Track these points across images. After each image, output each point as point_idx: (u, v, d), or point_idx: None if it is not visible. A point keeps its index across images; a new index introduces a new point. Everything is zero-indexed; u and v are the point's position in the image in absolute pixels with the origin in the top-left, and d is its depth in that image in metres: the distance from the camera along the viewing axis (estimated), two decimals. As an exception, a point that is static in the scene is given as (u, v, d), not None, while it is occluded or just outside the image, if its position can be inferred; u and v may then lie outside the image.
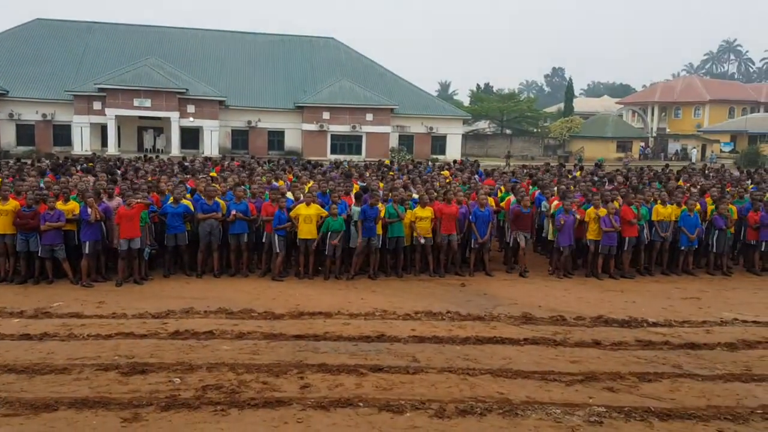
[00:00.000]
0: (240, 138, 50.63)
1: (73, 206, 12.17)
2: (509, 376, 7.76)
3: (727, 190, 16.56)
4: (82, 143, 45.80)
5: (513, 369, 7.99)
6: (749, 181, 20.00)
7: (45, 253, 11.83)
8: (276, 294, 11.64)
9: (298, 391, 7.18)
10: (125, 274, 12.16)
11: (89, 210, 11.70)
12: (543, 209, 14.72)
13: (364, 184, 15.53)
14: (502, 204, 14.81)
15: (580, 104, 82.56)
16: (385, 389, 7.28)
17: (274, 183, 15.80)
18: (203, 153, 44.11)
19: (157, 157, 29.15)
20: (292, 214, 12.69)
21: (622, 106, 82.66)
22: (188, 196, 13.41)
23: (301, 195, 13.41)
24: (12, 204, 11.94)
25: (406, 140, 52.57)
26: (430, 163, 29.17)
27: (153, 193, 13.52)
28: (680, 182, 19.28)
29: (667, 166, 28.96)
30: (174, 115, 46.46)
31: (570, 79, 77.89)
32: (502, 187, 16.32)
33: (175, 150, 45.55)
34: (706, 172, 24.76)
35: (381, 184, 16.09)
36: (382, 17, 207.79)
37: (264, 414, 6.59)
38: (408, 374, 7.75)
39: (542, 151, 62.52)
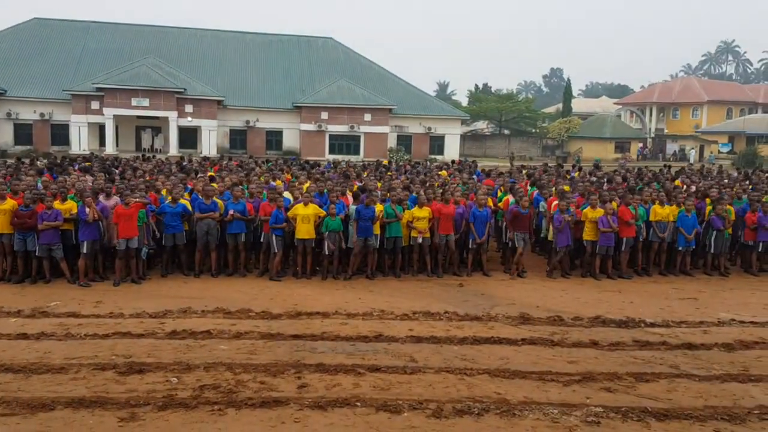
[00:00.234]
0: (238, 138, 50.60)
1: (70, 206, 12.15)
2: (507, 377, 7.77)
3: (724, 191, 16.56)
4: (80, 143, 45.74)
5: (510, 369, 8.00)
6: (747, 182, 20.01)
7: (42, 252, 11.81)
8: (274, 294, 11.63)
9: (296, 390, 7.18)
10: (123, 274, 12.14)
11: (87, 209, 11.69)
12: (541, 210, 14.73)
13: (362, 184, 15.53)
14: (500, 204, 14.81)
15: (579, 105, 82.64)
16: (382, 389, 7.28)
17: (272, 183, 15.79)
18: (201, 153, 44.08)
19: (153, 156, 29.10)
20: (289, 214, 12.69)
21: (621, 106, 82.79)
22: (186, 195, 13.41)
23: (300, 195, 13.41)
24: (9, 203, 11.92)
25: (405, 140, 52.58)
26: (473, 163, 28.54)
27: (151, 192, 13.52)
28: (677, 182, 19.30)
29: (665, 166, 29.01)
30: (172, 115, 46.43)
31: (568, 80, 77.98)
32: (502, 187, 16.32)
33: (174, 150, 45.50)
34: (704, 173, 24.78)
35: (379, 184, 16.08)
36: (381, 17, 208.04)
37: (261, 414, 6.58)
38: (405, 374, 7.75)
39: (540, 152, 62.55)
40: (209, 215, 12.64)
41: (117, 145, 46.29)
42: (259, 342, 8.86)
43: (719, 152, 60.64)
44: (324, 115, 49.76)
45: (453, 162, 29.23)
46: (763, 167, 36.07)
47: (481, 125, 79.40)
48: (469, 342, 9.08)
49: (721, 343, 9.28)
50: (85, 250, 11.86)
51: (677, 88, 77.98)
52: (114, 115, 45.54)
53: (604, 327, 10.07)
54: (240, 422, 6.40)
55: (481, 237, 13.34)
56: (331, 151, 49.14)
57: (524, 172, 22.74)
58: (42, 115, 46.77)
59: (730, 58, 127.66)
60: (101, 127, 46.13)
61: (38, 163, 21.68)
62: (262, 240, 12.95)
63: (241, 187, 13.81)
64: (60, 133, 47.10)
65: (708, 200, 14.78)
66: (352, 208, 12.95)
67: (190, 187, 14.49)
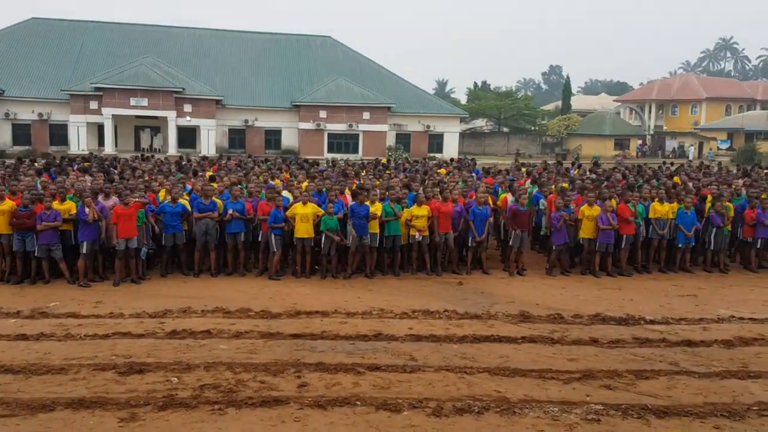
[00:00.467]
0: (237, 137, 50.57)
1: (69, 206, 12.14)
2: (507, 375, 7.77)
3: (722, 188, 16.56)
4: (79, 143, 45.70)
5: (510, 367, 8.00)
6: (746, 179, 20.01)
7: (42, 252, 11.80)
8: (273, 293, 11.63)
9: (296, 390, 7.18)
10: (122, 274, 12.14)
11: (87, 210, 11.68)
12: (541, 207, 14.74)
13: (360, 183, 15.52)
14: (498, 202, 14.81)
15: (578, 102, 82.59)
16: (382, 388, 7.28)
17: (271, 182, 15.78)
18: (200, 152, 44.04)
19: (152, 156, 29.10)
20: (288, 213, 12.68)
21: (620, 103, 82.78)
22: (186, 195, 13.40)
23: (299, 194, 13.40)
24: (8, 204, 11.91)
25: (403, 139, 52.57)
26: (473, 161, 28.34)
27: (150, 192, 13.52)
28: (675, 179, 19.30)
29: (664, 162, 29.00)
30: (171, 115, 46.40)
31: (567, 77, 77.92)
32: (502, 185, 16.32)
33: (173, 149, 45.47)
34: (704, 170, 24.77)
35: (378, 183, 16.07)
36: (379, 16, 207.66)
37: (261, 413, 6.58)
38: (405, 373, 7.75)
39: (540, 149, 62.55)
40: (208, 215, 12.64)
41: (116, 145, 46.27)
42: (258, 341, 8.85)
43: (718, 149, 60.64)
44: (322, 114, 49.73)
45: (452, 160, 29.19)
46: (761, 164, 36.08)
47: (480, 123, 79.36)
48: (468, 340, 9.08)
49: (721, 339, 9.29)
50: (84, 251, 11.85)
51: (676, 85, 77.95)
52: (113, 115, 45.50)
53: (604, 324, 10.08)
54: (240, 422, 6.40)
55: (481, 235, 13.34)
56: (330, 150, 49.12)
57: (524, 170, 22.72)
58: (40, 115, 46.72)
59: (729, 55, 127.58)
60: (100, 127, 46.10)
61: (36, 164, 21.64)
62: (260, 239, 12.95)
63: (239, 186, 13.80)
64: (59, 133, 47.05)
65: (709, 197, 14.79)
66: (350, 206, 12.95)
67: (189, 186, 14.48)
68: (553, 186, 15.95)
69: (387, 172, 21.05)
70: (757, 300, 11.90)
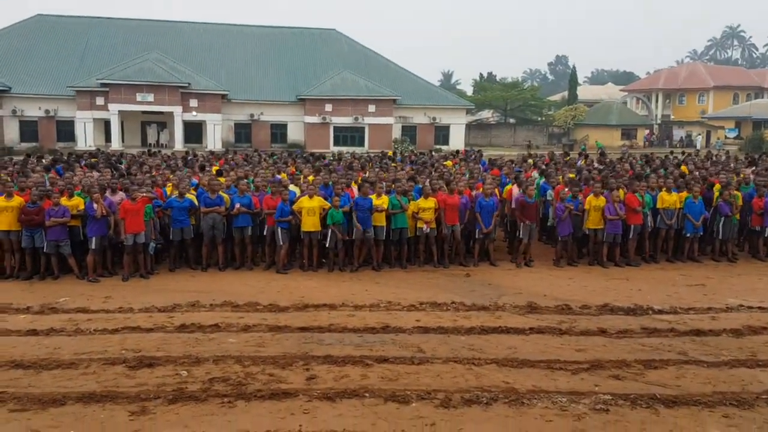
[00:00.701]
0: (243, 131, 50.58)
1: (77, 202, 12.20)
2: (515, 366, 7.78)
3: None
4: (86, 139, 45.79)
5: (518, 358, 8.01)
6: (754, 167, 19.90)
7: (50, 248, 11.87)
8: (280, 287, 11.67)
9: (304, 382, 7.21)
10: (131, 269, 12.20)
11: (95, 205, 11.73)
12: (548, 198, 14.71)
13: (366, 176, 15.53)
14: (504, 194, 14.78)
15: (584, 92, 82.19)
16: (390, 380, 7.30)
17: (277, 176, 15.79)
18: (207, 147, 44.10)
19: (159, 151, 29.14)
20: (295, 207, 12.69)
21: (627, 93, 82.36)
22: (192, 190, 13.43)
23: (305, 187, 13.41)
24: (16, 200, 11.97)
25: (409, 131, 52.42)
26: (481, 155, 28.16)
27: (157, 187, 13.56)
28: (683, 168, 19.22)
29: (672, 152, 28.86)
30: (177, 110, 46.44)
31: (573, 67, 77.55)
32: (509, 177, 16.29)
33: (179, 144, 45.55)
34: (713, 158, 24.66)
35: (385, 176, 16.05)
36: (379, 15, 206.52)
37: (270, 405, 6.62)
38: (413, 365, 7.77)
39: (547, 140, 62.35)
40: (215, 209, 12.67)
41: (123, 141, 46.38)
42: (267, 335, 8.89)
43: (726, 138, 60.25)
44: (328, 107, 49.65)
45: (458, 152, 29.15)
46: (770, 152, 35.83)
47: (487, 114, 79.10)
48: (476, 332, 9.09)
49: (729, 328, 9.27)
50: (93, 246, 11.91)
51: (683, 74, 77.41)
52: (119, 111, 45.58)
53: (612, 315, 10.07)
54: (250, 414, 6.43)
55: (488, 227, 13.33)
56: (336, 143, 49.07)
57: (530, 161, 22.67)
58: (47, 111, 46.84)
59: (736, 43, 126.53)
60: (107, 123, 46.19)
61: (43, 160, 21.75)
62: (265, 233, 12.97)
63: (246, 180, 13.82)
64: (66, 130, 47.18)
65: (717, 186, 14.72)
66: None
67: (196, 181, 14.53)
68: (560, 177, 15.92)
69: (393, 164, 21.04)
70: (766, 289, 11.86)
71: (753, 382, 7.34)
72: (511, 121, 69.97)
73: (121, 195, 12.60)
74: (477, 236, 13.51)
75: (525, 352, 8.28)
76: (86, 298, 10.74)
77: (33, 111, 46.76)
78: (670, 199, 13.77)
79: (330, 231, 12.64)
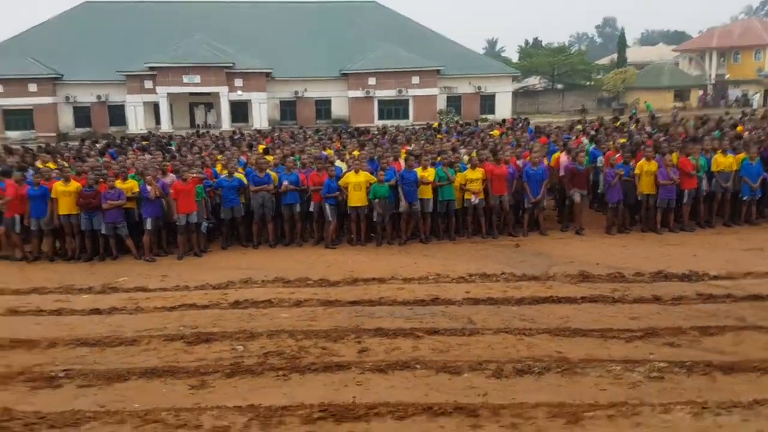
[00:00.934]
0: (288, 109, 50.88)
1: (131, 184, 12.54)
2: (567, 335, 7.72)
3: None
4: (137, 122, 46.83)
5: (571, 328, 7.95)
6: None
7: (108, 230, 12.26)
8: (330, 262, 11.81)
9: (356, 355, 7.32)
10: (185, 248, 12.52)
11: (148, 187, 12.04)
12: (598, 165, 14.41)
13: (411, 149, 15.49)
14: (552, 162, 14.53)
15: (634, 54, 79.62)
16: (441, 351, 7.35)
17: (323, 153, 15.88)
18: (253, 126, 44.58)
19: (207, 132, 29.61)
20: (341, 182, 12.77)
21: (678, 53, 79.39)
22: (241, 169, 13.64)
23: (352, 162, 13.47)
24: (74, 185, 12.38)
25: (454, 101, 51.83)
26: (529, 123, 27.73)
27: (206, 167, 13.82)
28: (739, 128, 18.54)
29: (727, 113, 27.85)
30: (223, 90, 46.99)
31: (622, 29, 75.27)
32: (557, 144, 16.02)
33: (226, 124, 46.15)
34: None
35: (430, 148, 15.97)
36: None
37: (324, 378, 6.75)
38: (464, 336, 7.79)
39: (596, 105, 60.85)
40: (263, 188, 12.85)
41: (172, 123, 47.26)
42: (318, 309, 9.04)
43: (786, 95, 57.74)
44: (371, 81, 49.47)
45: (504, 121, 28.75)
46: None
47: (533, 81, 77.53)
48: (527, 302, 9.04)
49: (790, 293, 8.99)
50: (148, 227, 12.26)
51: (738, 31, 74.03)
52: (167, 94, 46.38)
53: (667, 282, 9.87)
54: (304, 387, 6.58)
55: (536, 196, 13.16)
56: (381, 117, 48.96)
57: (579, 127, 22.18)
58: (99, 97, 48.02)
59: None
60: (156, 106, 47.09)
61: (97, 144, 22.36)
62: (311, 209, 13.10)
63: (293, 158, 13.96)
64: (117, 114, 48.31)
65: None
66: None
67: (244, 160, 14.74)
68: (611, 142, 15.57)
69: (439, 136, 20.92)
70: (830, 251, 11.43)
71: (816, 347, 7.13)
72: (559, 87, 68.41)
73: (172, 176, 12.89)
74: (526, 206, 13.37)
75: (577, 321, 8.20)
76: (144, 278, 11.09)
77: (85, 97, 48.02)
78: (725, 161, 13.33)
79: (376, 204, 12.68)
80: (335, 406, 6.04)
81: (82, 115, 48.56)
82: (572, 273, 10.40)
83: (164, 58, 46.09)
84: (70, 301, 9.94)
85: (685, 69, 71.18)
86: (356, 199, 12.66)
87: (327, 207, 12.75)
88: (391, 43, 51.37)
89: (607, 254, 11.70)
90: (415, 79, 49.56)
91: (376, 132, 25.06)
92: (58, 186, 12.31)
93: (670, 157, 13.03)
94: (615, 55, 73.84)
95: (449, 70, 50.71)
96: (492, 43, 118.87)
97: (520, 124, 25.33)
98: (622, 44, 71.06)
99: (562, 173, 13.93)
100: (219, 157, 15.56)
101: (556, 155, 14.67)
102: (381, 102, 50.09)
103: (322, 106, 51.15)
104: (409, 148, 16.21)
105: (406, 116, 49.18)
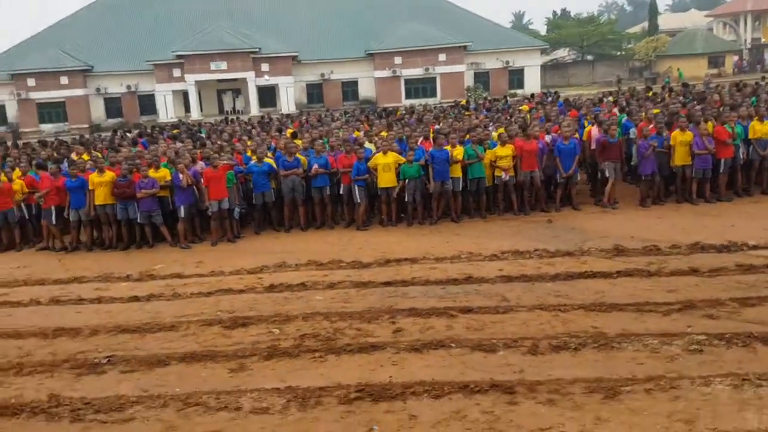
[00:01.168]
0: (315, 92, 50.92)
1: (164, 173, 12.71)
2: (603, 310, 7.66)
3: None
4: (167, 111, 47.39)
5: (606, 302, 7.87)
6: None
7: (143, 219, 12.48)
8: (362, 243, 11.85)
9: (391, 335, 7.37)
10: (219, 234, 12.68)
11: (180, 175, 12.20)
12: (631, 136, 14.14)
13: (439, 127, 15.39)
14: (584, 136, 14.30)
15: (666, 21, 77.72)
16: (476, 329, 7.35)
17: (352, 135, 15.88)
18: (281, 110, 44.78)
19: (236, 118, 29.82)
20: (370, 164, 12.75)
21: (712, 18, 77.15)
22: (270, 154, 13.72)
23: (380, 144, 13.44)
24: (108, 175, 12.59)
25: (482, 77, 51.29)
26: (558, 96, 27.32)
27: (237, 153, 13.94)
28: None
29: (764, 78, 27.07)
30: (250, 75, 47.25)
31: (653, -5, 73.28)
32: (588, 118, 15.77)
33: (254, 110, 46.45)
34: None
35: (459, 125, 15.86)
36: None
37: (360, 358, 6.81)
38: (498, 314, 7.78)
39: (628, 75, 59.63)
40: (293, 172, 12.91)
41: (201, 110, 47.69)
42: (352, 290, 9.09)
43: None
44: (398, 60, 49.18)
45: (533, 95, 28.36)
46: None
47: (562, 53, 76.22)
48: (561, 278, 8.97)
49: (834, 261, 8.77)
50: (182, 214, 12.44)
51: (774, -8, 71.70)
52: (195, 81, 46.80)
53: (704, 253, 9.69)
54: (340, 367, 6.65)
55: (567, 171, 12.99)
56: (408, 96, 48.73)
57: (610, 98, 21.78)
58: (129, 87, 48.65)
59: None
60: (185, 94, 47.57)
61: (128, 134, 22.71)
62: (341, 192, 13.13)
63: (321, 141, 13.99)
64: (147, 104, 48.95)
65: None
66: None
67: (273, 145, 14.82)
68: (643, 113, 15.26)
69: (467, 113, 20.75)
70: None
71: None
72: (589, 58, 67.18)
73: (202, 164, 13.02)
74: (558, 181, 13.21)
75: (613, 296, 8.12)
76: (180, 264, 11.27)
77: (115, 87, 48.71)
78: (763, 128, 12.96)
79: (405, 185, 12.65)
80: (372, 386, 6.10)
81: (113, 105, 49.30)
82: (607, 247, 10.29)
83: (191, 46, 46.46)
84: (110, 289, 10.17)
85: (719, 34, 69.22)
86: (385, 180, 12.64)
87: (356, 189, 12.77)
88: (416, 20, 50.90)
89: (641, 227, 11.53)
90: (442, 57, 49.14)
91: (403, 112, 24.95)
92: (93, 177, 12.54)
93: (705, 126, 12.73)
94: (646, 23, 72.15)
95: (476, 46, 50.16)
96: (519, 16, 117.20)
97: (550, 98, 24.95)
98: (653, 11, 69.43)
99: (593, 147, 13.71)
100: (249, 143, 15.67)
101: (588, 128, 14.43)
102: (408, 81, 49.82)
103: (349, 88, 51.07)
104: (437, 126, 16.11)
105: (433, 94, 48.88)
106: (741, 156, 13.05)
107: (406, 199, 12.84)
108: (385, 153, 12.72)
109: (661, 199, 13.23)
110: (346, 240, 12.25)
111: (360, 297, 8.81)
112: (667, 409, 5.38)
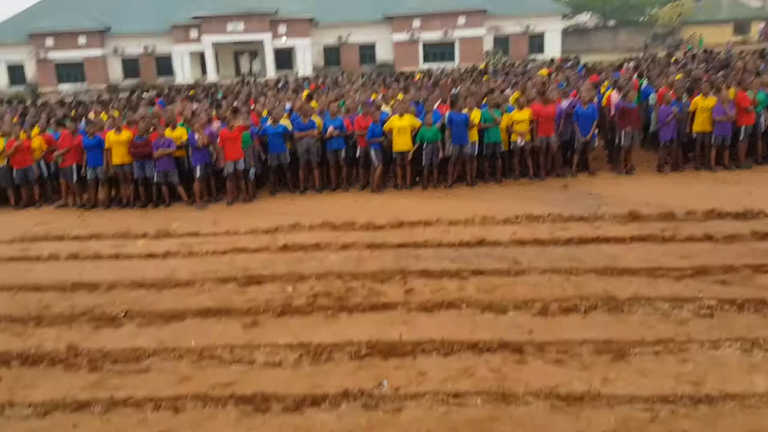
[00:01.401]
0: (332, 55, 50.48)
1: (180, 133, 12.76)
2: (615, 274, 7.67)
3: None
4: (184, 72, 47.32)
5: (619, 267, 7.88)
6: None
7: (160, 178, 12.58)
8: (376, 206, 11.88)
9: (403, 295, 7.45)
10: (234, 194, 12.77)
11: (196, 135, 12.24)
12: (651, 102, 13.95)
13: (456, 91, 15.26)
14: (603, 100, 14.13)
15: (691, -14, 75.78)
16: (487, 291, 7.40)
17: (370, 99, 15.79)
18: (297, 73, 44.52)
19: (254, 80, 29.71)
20: (385, 127, 12.70)
21: (740, -17, 75.26)
22: (286, 115, 13.70)
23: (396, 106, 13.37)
24: (125, 134, 12.67)
25: (501, 42, 50.52)
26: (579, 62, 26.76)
27: (253, 114, 13.94)
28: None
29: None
30: (267, 37, 46.91)
31: (678, -41, 71.34)
32: (607, 82, 15.56)
33: (271, 72, 46.21)
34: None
35: (476, 89, 15.70)
36: None
37: (371, 317, 6.91)
38: (510, 276, 7.82)
39: (650, 41, 58.45)
40: (308, 133, 12.90)
41: (218, 72, 47.55)
42: (365, 252, 9.16)
43: None
44: (416, 24, 48.54)
45: (552, 61, 27.96)
46: None
47: (584, 18, 74.68)
48: (574, 243, 8.96)
49: None
50: (198, 174, 12.52)
51: (807, -44, 69.56)
52: (212, 43, 46.58)
53: (720, 220, 9.62)
54: (352, 324, 6.75)
55: (585, 136, 12.87)
56: (426, 61, 48.20)
57: (630, 63, 21.42)
58: (146, 48, 48.53)
59: None
60: (202, 56, 47.40)
61: (145, 95, 22.78)
62: (357, 155, 13.12)
63: (337, 103, 13.93)
64: (164, 65, 48.86)
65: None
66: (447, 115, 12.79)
67: (289, 106, 14.79)
68: (664, 79, 15.01)
69: (485, 78, 20.53)
70: None
71: None
72: (611, 24, 65.84)
73: (217, 124, 13.05)
74: (575, 146, 13.10)
75: (625, 260, 8.12)
76: (196, 223, 11.39)
77: (133, 48, 48.62)
78: (787, 95, 12.73)
79: (424, 147, 12.59)
80: (382, 343, 6.20)
81: (130, 66, 49.27)
82: (621, 213, 10.24)
83: (208, 7, 46.11)
84: (127, 246, 10.33)
85: (746, 0, 67.44)
86: (400, 143, 12.59)
87: (372, 151, 12.75)
88: (434, -17, 50.03)
89: (658, 193, 11.44)
90: (461, 20, 48.43)
91: (421, 76, 24.74)
92: (111, 135, 12.62)
93: (727, 92, 12.51)
94: (671, -12, 70.36)
95: (496, 9, 49.32)
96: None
97: (569, 63, 24.60)
98: (678, -24, 67.55)
99: (613, 112, 13.55)
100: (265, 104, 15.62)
101: (607, 93, 14.25)
102: (426, 45, 49.24)
103: (366, 51, 50.56)
104: (454, 90, 15.97)
105: (452, 59, 48.30)
106: (762, 123, 12.84)
107: (423, 163, 12.81)
108: (400, 115, 12.65)
109: (679, 165, 13.10)
110: (360, 202, 12.29)
111: (373, 258, 8.87)
112: (675, 370, 5.43)
